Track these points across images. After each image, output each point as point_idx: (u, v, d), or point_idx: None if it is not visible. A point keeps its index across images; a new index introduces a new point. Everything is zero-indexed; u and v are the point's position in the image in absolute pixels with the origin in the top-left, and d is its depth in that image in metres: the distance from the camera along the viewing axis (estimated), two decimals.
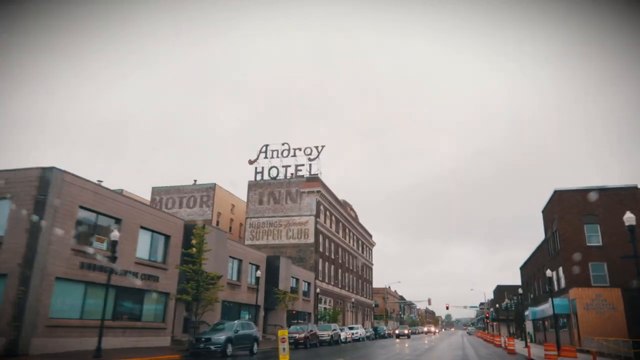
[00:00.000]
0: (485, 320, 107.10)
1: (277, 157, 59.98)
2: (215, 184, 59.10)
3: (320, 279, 57.41)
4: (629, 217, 17.83)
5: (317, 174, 58.40)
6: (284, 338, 15.59)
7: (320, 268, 57.57)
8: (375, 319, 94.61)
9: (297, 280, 48.95)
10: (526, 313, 54.88)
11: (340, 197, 71.48)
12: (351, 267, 73.93)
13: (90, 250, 21.39)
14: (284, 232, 57.14)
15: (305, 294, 51.83)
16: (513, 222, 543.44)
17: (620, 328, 30.94)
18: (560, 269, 37.61)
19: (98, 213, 22.39)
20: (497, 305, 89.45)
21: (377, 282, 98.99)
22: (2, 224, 19.53)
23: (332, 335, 38.81)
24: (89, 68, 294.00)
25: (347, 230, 72.54)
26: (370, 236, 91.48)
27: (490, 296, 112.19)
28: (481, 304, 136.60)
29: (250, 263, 38.92)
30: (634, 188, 35.46)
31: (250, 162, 60.46)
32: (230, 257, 35.33)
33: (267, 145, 60.23)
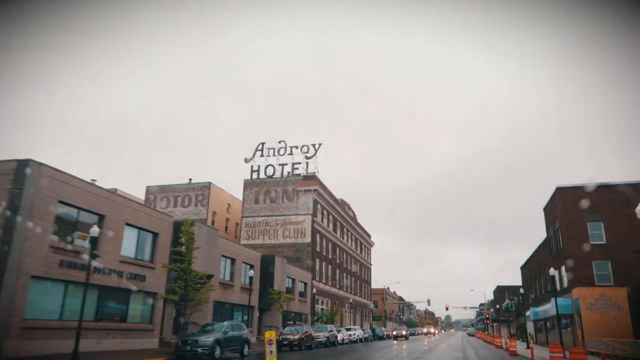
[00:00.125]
0: (485, 321, 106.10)
1: (274, 155, 58.95)
2: (210, 183, 58.06)
3: (317, 279, 56.32)
4: None
5: (314, 172, 57.36)
6: (270, 340, 14.61)
7: (317, 268, 56.50)
8: (373, 320, 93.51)
9: (293, 280, 47.91)
10: (527, 313, 53.81)
11: (340, 196, 70.54)
12: (349, 267, 72.82)
13: (70, 247, 20.33)
14: (281, 232, 56.07)
15: (302, 294, 50.76)
16: (513, 222, 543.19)
17: (625, 328, 30.07)
18: (563, 268, 36.56)
19: (79, 208, 21.30)
20: (497, 306, 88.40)
21: (376, 283, 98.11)
22: None
23: (328, 337, 37.82)
24: (89, 68, 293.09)
25: (345, 230, 71.46)
26: (369, 236, 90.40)
27: (491, 297, 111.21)
28: (481, 304, 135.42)
29: (244, 262, 37.88)
30: (639, 184, 34.43)
31: (246, 161, 59.37)
32: (223, 256, 34.31)
33: (263, 143, 59.15)
